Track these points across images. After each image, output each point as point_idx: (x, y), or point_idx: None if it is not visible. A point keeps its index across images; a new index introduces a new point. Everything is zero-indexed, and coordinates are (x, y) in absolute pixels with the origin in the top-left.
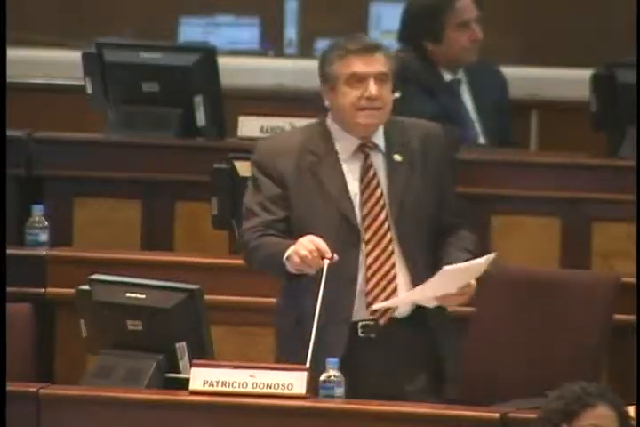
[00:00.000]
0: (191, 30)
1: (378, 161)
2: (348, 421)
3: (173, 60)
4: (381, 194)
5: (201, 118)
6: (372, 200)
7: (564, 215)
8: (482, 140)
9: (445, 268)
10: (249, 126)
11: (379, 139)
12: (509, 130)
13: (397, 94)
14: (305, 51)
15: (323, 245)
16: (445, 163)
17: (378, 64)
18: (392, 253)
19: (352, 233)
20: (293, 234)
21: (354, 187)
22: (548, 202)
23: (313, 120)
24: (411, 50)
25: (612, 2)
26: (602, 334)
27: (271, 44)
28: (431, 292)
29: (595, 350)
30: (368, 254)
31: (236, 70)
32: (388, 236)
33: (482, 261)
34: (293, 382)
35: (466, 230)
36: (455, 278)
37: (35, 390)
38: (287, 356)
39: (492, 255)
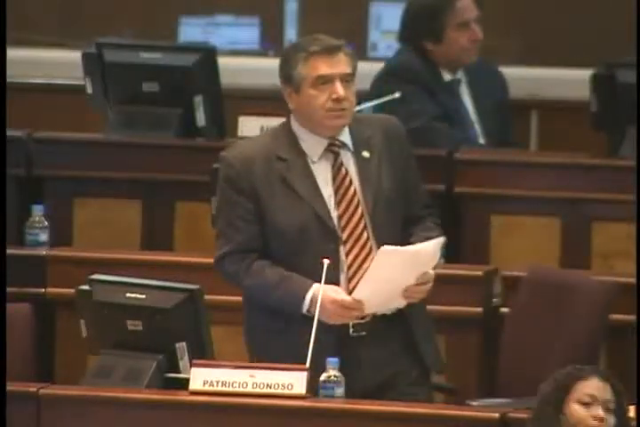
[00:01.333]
0: (191, 30)
1: (347, 159)
2: (348, 421)
3: (173, 60)
4: (355, 192)
5: (201, 118)
6: (347, 199)
7: (563, 215)
8: (482, 140)
9: (384, 248)
10: (249, 126)
11: (345, 137)
12: (509, 130)
13: (397, 94)
14: None
15: (345, 301)
16: (408, 153)
17: (342, 65)
18: (371, 250)
19: (330, 235)
20: (270, 243)
21: (327, 188)
22: (548, 202)
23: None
24: (411, 50)
25: (612, 2)
26: (597, 335)
27: (271, 44)
28: (386, 281)
29: (590, 351)
30: (347, 254)
31: (236, 70)
32: (365, 234)
33: (429, 247)
34: (293, 382)
35: (431, 222)
36: (405, 264)
37: (35, 390)
38: (271, 357)
39: (440, 240)
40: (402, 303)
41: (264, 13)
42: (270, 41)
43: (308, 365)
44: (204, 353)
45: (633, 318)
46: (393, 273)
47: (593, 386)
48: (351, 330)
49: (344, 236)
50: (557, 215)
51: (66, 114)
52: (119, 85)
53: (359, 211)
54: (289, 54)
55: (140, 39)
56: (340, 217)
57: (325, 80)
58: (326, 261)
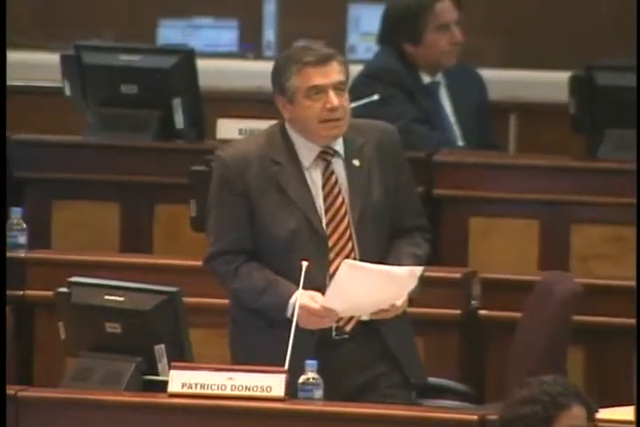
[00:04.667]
0: (170, 32)
1: (338, 167)
2: (327, 423)
3: (152, 62)
4: (343, 201)
5: (180, 121)
6: (334, 208)
7: (543, 218)
8: (460, 142)
9: (347, 261)
10: (228, 129)
11: (338, 145)
12: (489, 132)
13: (376, 96)
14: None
15: (314, 308)
16: (402, 163)
17: (335, 74)
18: (354, 260)
19: (319, 240)
20: (260, 244)
21: (318, 195)
22: (527, 204)
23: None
24: (390, 52)
25: (593, 5)
26: (561, 336)
27: (250, 46)
28: (354, 293)
29: (558, 352)
30: (331, 262)
31: (215, 73)
32: (350, 244)
33: (403, 273)
34: (272, 384)
35: (421, 236)
36: (371, 282)
37: (13, 392)
38: (255, 357)
39: (417, 269)
40: (387, 305)
41: (243, 16)
42: (249, 43)
43: (286, 367)
44: (182, 356)
45: (611, 319)
46: (361, 287)
47: (577, 415)
48: (334, 333)
49: (330, 243)
50: (536, 218)
51: (45, 116)
52: (98, 88)
53: (345, 221)
54: (281, 65)
55: (120, 41)
56: (327, 225)
57: (319, 90)
58: (305, 264)
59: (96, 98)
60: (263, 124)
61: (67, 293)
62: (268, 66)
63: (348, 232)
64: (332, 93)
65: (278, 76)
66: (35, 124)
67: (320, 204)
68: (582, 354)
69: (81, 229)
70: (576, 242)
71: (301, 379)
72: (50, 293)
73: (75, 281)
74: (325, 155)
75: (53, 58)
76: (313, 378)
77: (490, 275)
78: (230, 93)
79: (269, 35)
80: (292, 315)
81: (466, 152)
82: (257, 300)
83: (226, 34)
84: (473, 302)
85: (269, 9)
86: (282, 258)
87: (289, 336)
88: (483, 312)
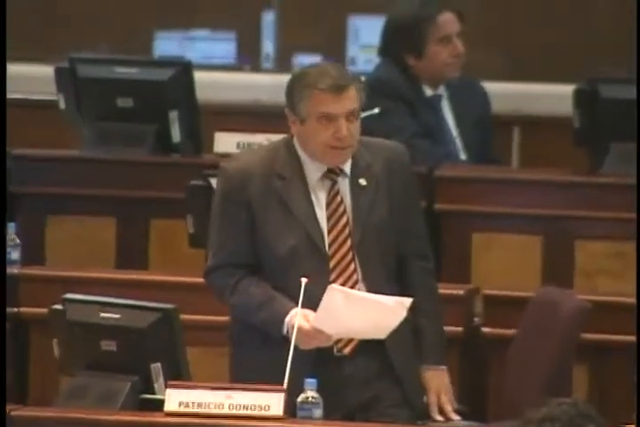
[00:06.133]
0: (167, 44)
1: (344, 186)
2: None
3: (148, 74)
4: (347, 221)
5: (176, 134)
6: (338, 228)
7: (546, 233)
8: (463, 156)
9: (332, 286)
10: (225, 142)
11: (345, 164)
12: (489, 146)
13: (377, 110)
14: (283, 65)
15: (304, 328)
16: (410, 185)
17: (348, 102)
18: (356, 281)
19: (321, 260)
20: (260, 258)
21: (322, 212)
22: (530, 219)
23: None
24: (391, 64)
25: (595, 17)
26: (567, 354)
27: (248, 58)
28: (343, 317)
29: (565, 371)
30: (333, 282)
31: (212, 85)
32: (352, 266)
33: (392, 304)
34: (270, 403)
35: (422, 268)
36: (358, 308)
37: (7, 411)
38: (255, 372)
39: (405, 300)
40: (379, 335)
41: (240, 27)
42: (247, 55)
43: (285, 386)
44: (179, 374)
45: (615, 337)
46: (348, 312)
47: None
48: (335, 349)
49: (331, 264)
50: (539, 233)
51: (39, 130)
52: (93, 101)
53: (349, 241)
54: (296, 86)
55: (115, 53)
56: (329, 245)
57: (330, 118)
58: (304, 280)
59: (91, 111)
60: (261, 138)
61: (61, 310)
62: (266, 78)
63: (350, 253)
64: (342, 122)
65: (291, 95)
66: (29, 138)
67: (323, 222)
68: (585, 372)
69: (76, 244)
70: (580, 258)
71: (300, 398)
72: (44, 310)
73: (69, 298)
74: (331, 174)
75: (48, 70)
76: (312, 397)
77: (492, 291)
78: (228, 106)
79: (268, 47)
80: (288, 332)
81: (467, 167)
82: (253, 315)
83: (223, 46)
84: (475, 319)
85: (267, 20)
86: (281, 274)
87: (285, 354)
88: (485, 329)
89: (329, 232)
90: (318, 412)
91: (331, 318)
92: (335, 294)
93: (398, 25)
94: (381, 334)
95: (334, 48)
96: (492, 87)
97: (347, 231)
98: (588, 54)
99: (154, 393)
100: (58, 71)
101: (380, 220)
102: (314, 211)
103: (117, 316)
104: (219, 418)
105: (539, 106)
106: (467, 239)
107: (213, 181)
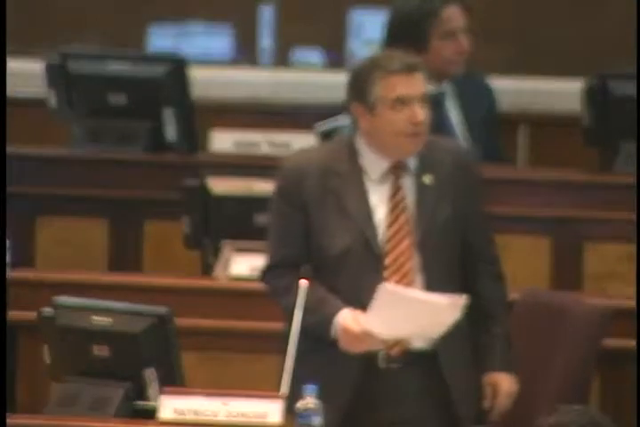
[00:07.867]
0: (161, 39)
1: (407, 183)
2: None
3: (142, 70)
4: (407, 220)
5: (171, 132)
6: (397, 224)
7: (554, 235)
8: None
9: (383, 284)
10: (222, 140)
11: (410, 160)
12: (496, 145)
13: None
14: (281, 60)
15: (353, 330)
16: (476, 187)
17: (419, 85)
18: (412, 281)
19: (373, 258)
20: (314, 259)
21: (379, 209)
22: (538, 221)
23: (303, 134)
24: None
25: (604, 12)
26: (587, 361)
27: (245, 53)
28: (394, 317)
29: (583, 379)
30: (386, 280)
31: (208, 81)
32: (409, 264)
33: (445, 304)
34: (268, 410)
35: (489, 276)
36: (409, 308)
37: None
38: (302, 375)
39: (460, 299)
40: (431, 335)
41: (237, 21)
42: (244, 50)
43: (283, 391)
44: (174, 380)
45: (627, 342)
46: (399, 311)
47: None
48: (380, 361)
49: (387, 261)
50: (548, 235)
51: (27, 127)
52: (84, 97)
53: (408, 239)
54: (364, 72)
55: (107, 48)
56: (387, 242)
57: (404, 102)
58: (303, 282)
59: (82, 108)
60: (259, 136)
61: (51, 314)
62: (264, 74)
63: (407, 252)
64: (417, 107)
65: (359, 83)
66: (16, 135)
67: (380, 219)
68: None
69: (66, 246)
70: (589, 260)
71: (300, 404)
72: (33, 314)
73: (60, 302)
74: (396, 169)
75: (36, 66)
76: (312, 404)
77: None
78: (224, 103)
79: (266, 41)
80: (336, 335)
81: None
82: (305, 317)
83: (219, 40)
84: None
85: (266, 14)
86: (334, 273)
87: (334, 356)
88: None
89: (388, 228)
90: (318, 420)
91: (382, 317)
92: (386, 292)
93: (401, 19)
94: (434, 334)
95: (335, 42)
96: (497, 83)
97: (406, 228)
98: (598, 50)
99: (147, 400)
100: (49, 67)
101: (444, 219)
102: (370, 208)
103: (110, 320)
104: (215, 426)
105: (546, 103)
106: None
107: (210, 181)
